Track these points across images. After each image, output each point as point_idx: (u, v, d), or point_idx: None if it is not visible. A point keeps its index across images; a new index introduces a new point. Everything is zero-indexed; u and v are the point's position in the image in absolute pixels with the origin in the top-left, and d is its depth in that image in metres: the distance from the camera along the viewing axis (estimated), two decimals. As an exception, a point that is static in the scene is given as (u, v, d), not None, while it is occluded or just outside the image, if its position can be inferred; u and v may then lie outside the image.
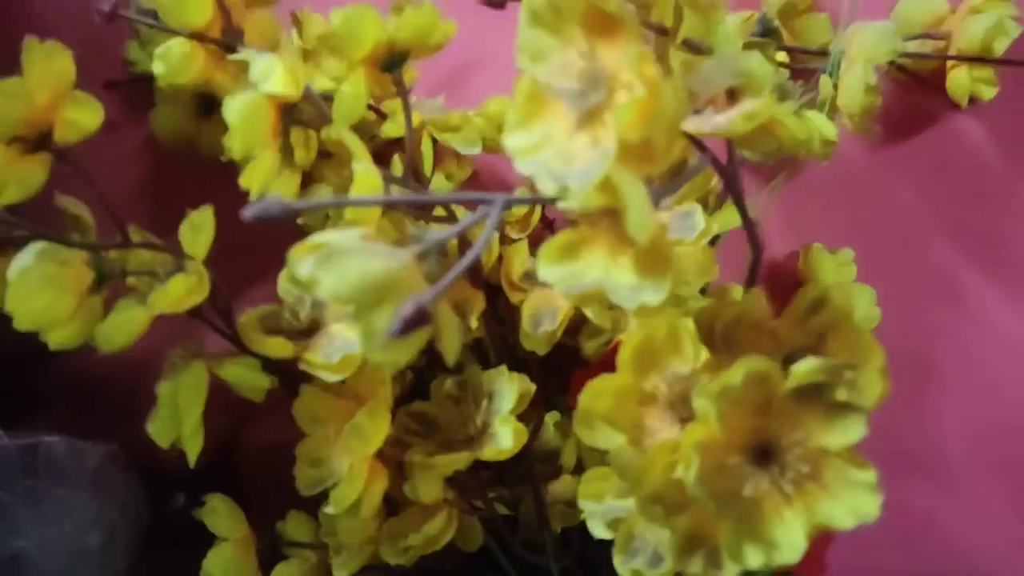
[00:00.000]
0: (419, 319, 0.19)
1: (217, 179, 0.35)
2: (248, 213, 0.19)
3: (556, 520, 0.36)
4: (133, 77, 0.42)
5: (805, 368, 0.21)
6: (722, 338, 0.24)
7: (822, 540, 0.43)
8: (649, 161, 0.21)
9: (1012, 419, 0.41)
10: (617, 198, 0.20)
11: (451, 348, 0.21)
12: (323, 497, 0.34)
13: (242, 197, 0.32)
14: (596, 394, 0.25)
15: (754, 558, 0.21)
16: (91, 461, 0.37)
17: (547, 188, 0.21)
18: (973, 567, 0.40)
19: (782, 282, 0.41)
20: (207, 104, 0.40)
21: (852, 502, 0.21)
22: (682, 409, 0.25)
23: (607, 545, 0.33)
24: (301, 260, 0.19)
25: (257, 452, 0.43)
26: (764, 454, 0.22)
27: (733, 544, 0.22)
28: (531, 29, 0.21)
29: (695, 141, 0.25)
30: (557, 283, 0.22)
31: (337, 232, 0.21)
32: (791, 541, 0.21)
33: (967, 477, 0.41)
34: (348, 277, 0.19)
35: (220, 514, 0.33)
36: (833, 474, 0.22)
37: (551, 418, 0.37)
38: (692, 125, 0.25)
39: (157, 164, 0.43)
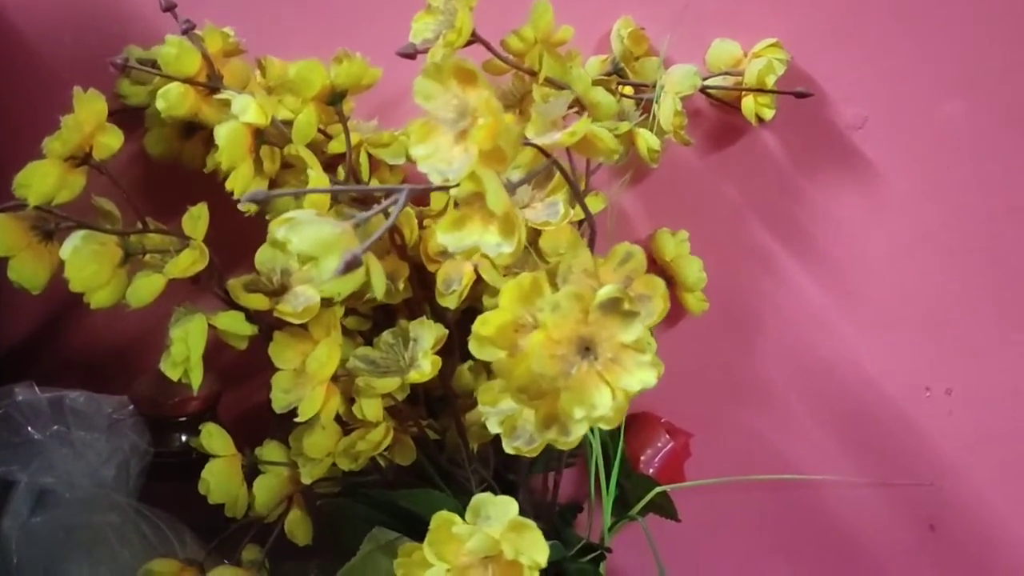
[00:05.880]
0: (354, 263, 0.30)
1: (197, 184, 0.44)
2: (244, 199, 0.30)
3: (473, 439, 0.47)
4: (124, 107, 0.51)
5: (605, 290, 0.33)
6: (563, 281, 0.36)
7: (680, 454, 0.55)
8: (501, 162, 0.32)
9: (813, 357, 0.53)
10: (480, 185, 0.32)
11: (378, 283, 0.33)
12: (287, 431, 0.45)
13: (214, 199, 0.42)
14: (483, 323, 0.36)
15: (580, 414, 0.33)
16: (106, 409, 0.47)
17: (435, 180, 0.32)
18: (789, 466, 0.53)
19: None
20: (188, 128, 0.49)
21: (639, 375, 0.32)
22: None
23: (512, 459, 0.43)
24: (277, 228, 0.30)
25: (234, 409, 0.53)
26: (585, 349, 0.33)
27: (567, 406, 0.33)
28: (423, 79, 0.32)
29: (543, 151, 0.37)
30: (449, 244, 0.34)
31: (299, 211, 0.32)
32: (604, 402, 0.32)
33: (784, 402, 0.54)
34: (308, 237, 0.30)
35: (214, 437, 0.43)
36: (627, 359, 0.33)
37: (466, 365, 0.47)
38: (540, 139, 0.37)
39: (146, 172, 0.52)
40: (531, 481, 0.52)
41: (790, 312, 0.53)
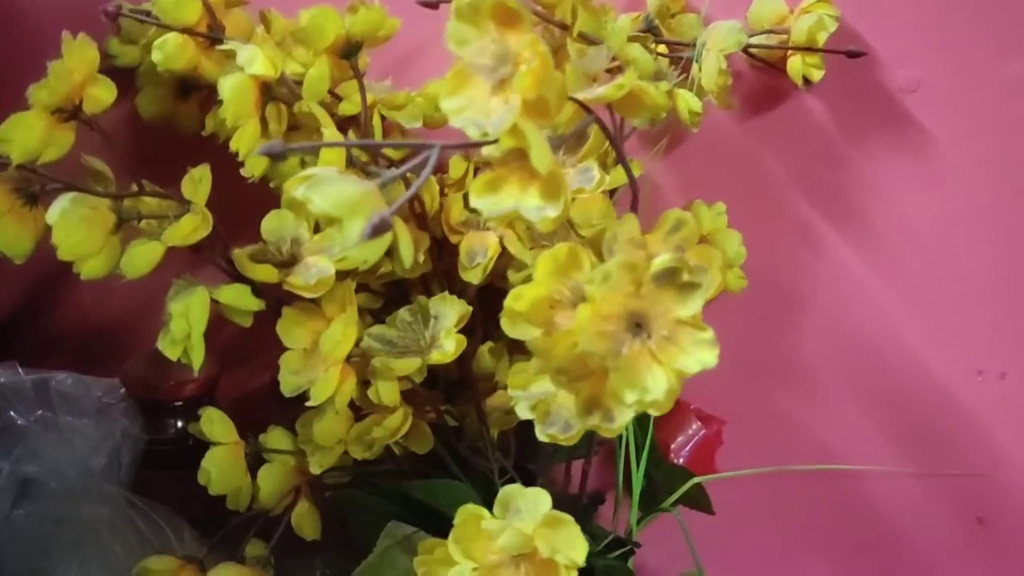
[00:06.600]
0: (383, 226, 0.27)
1: (193, 148, 0.41)
2: (260, 151, 0.26)
3: (495, 425, 0.44)
4: (114, 68, 0.47)
5: (661, 259, 0.29)
6: (608, 251, 0.33)
7: (713, 443, 0.52)
8: (545, 115, 0.29)
9: (856, 338, 0.51)
10: (523, 140, 0.28)
11: (406, 251, 0.29)
12: (293, 417, 0.42)
13: (212, 163, 0.39)
14: (517, 298, 0.33)
15: (631, 398, 0.29)
16: (96, 392, 0.44)
17: (472, 134, 0.28)
18: (829, 455, 0.51)
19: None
20: (184, 89, 0.45)
21: (698, 355, 0.29)
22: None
23: (532, 448, 0.40)
24: (296, 186, 0.27)
25: (232, 393, 0.50)
26: (637, 325, 0.30)
27: (617, 389, 0.29)
28: (456, 22, 0.29)
29: (585, 108, 0.33)
30: (484, 209, 0.30)
31: (319, 168, 0.28)
32: (657, 385, 0.29)
33: (825, 387, 0.52)
34: (331, 196, 0.26)
35: (215, 423, 0.40)
36: (684, 336, 0.29)
37: (486, 347, 0.45)
38: (581, 95, 0.33)
39: (138, 136, 0.49)
40: (551, 471, 0.49)
41: (833, 290, 0.51)
